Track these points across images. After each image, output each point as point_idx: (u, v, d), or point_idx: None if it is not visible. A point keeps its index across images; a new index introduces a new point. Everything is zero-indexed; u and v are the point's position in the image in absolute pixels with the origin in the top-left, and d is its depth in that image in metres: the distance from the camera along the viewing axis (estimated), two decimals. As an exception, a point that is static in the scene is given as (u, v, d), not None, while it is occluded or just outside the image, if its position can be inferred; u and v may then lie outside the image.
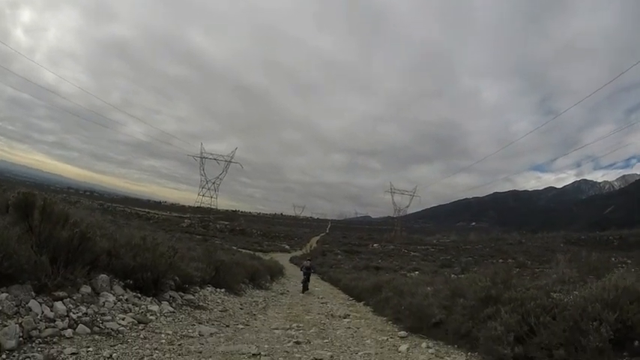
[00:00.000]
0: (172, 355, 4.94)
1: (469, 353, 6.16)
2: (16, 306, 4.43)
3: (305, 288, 18.20)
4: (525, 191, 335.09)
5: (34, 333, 4.24)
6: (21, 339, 4.03)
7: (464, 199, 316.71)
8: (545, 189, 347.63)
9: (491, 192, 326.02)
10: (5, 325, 4.02)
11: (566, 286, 6.43)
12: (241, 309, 9.90)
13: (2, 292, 4.46)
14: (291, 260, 52.53)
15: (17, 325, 4.07)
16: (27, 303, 4.56)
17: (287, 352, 6.00)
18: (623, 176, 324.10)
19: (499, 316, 5.65)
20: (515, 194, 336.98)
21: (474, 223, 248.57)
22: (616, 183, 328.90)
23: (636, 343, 4.53)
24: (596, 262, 10.14)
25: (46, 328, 4.42)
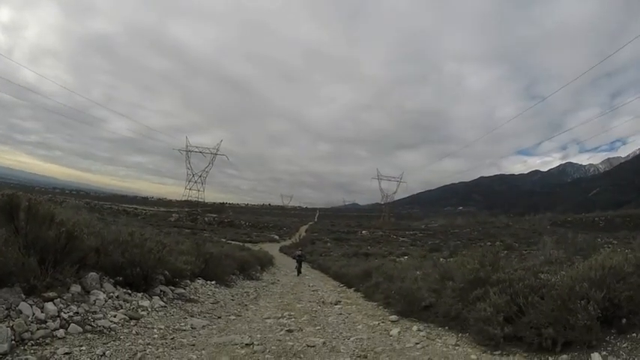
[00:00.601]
0: (165, 349, 4.94)
1: (460, 334, 6.26)
2: (7, 309, 4.39)
3: (298, 272, 22.24)
4: (511, 175, 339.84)
5: (26, 335, 4.21)
6: (13, 342, 4.00)
7: (450, 184, 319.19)
8: (530, 172, 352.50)
9: (477, 176, 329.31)
10: (-4, 329, 3.98)
11: (554, 267, 6.55)
12: (232, 300, 9.92)
13: (-9, 296, 4.41)
14: (281, 250, 52.71)
15: (9, 329, 4.03)
16: (17, 305, 4.52)
17: (279, 340, 6.03)
18: (608, 159, 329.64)
19: (488, 298, 5.74)
20: (501, 178, 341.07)
21: (460, 208, 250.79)
22: (601, 166, 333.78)
23: (624, 320, 4.64)
24: (582, 243, 10.33)
25: (38, 329, 4.39)
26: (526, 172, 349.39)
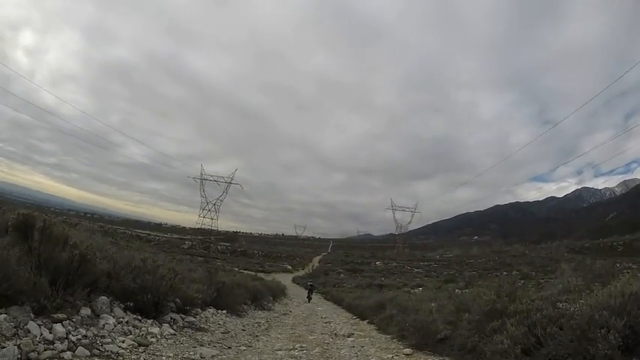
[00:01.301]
0: (174, 377, 4.87)
1: (476, 368, 6.08)
2: (15, 327, 4.38)
3: (309, 300, 25.74)
4: (526, 202, 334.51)
5: (33, 355, 4.17)
6: (19, 361, 3.97)
7: (465, 213, 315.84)
8: (546, 199, 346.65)
9: (493, 205, 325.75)
10: (3, 347, 3.97)
11: (572, 295, 6.36)
12: (243, 330, 9.80)
13: (1, 314, 4.41)
14: (294, 280, 52.33)
15: (15, 347, 4.02)
16: (26, 324, 4.51)
17: (290, 372, 5.91)
18: (624, 181, 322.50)
19: (505, 329, 5.59)
20: (516, 206, 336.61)
21: (476, 237, 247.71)
22: (617, 189, 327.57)
23: (645, 348, 4.46)
24: (600, 269, 10.08)
25: (45, 350, 4.35)
26: (541, 199, 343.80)
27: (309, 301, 24.88)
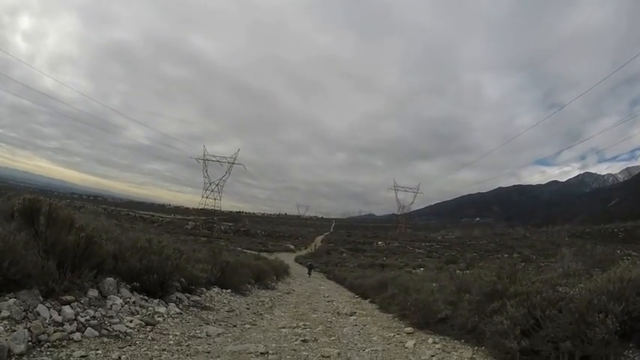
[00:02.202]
0: (181, 355, 4.97)
1: (476, 348, 6.17)
2: (24, 311, 4.45)
3: (309, 274, 32.30)
4: (529, 185, 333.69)
5: (43, 337, 4.27)
6: (30, 343, 4.05)
7: (467, 195, 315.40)
8: (548, 183, 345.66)
9: (495, 187, 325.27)
10: (14, 330, 4.04)
11: (572, 279, 6.42)
12: (248, 309, 9.93)
13: (10, 298, 4.48)
14: (297, 260, 52.66)
15: (26, 330, 4.10)
16: (35, 308, 4.59)
17: (294, 350, 6.02)
18: (627, 168, 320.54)
19: (505, 310, 5.66)
20: (519, 189, 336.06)
21: (478, 219, 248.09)
22: (620, 175, 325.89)
23: (643, 334, 4.53)
24: (601, 255, 10.16)
25: (55, 332, 4.44)
26: (544, 183, 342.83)
27: (309, 276, 30.91)
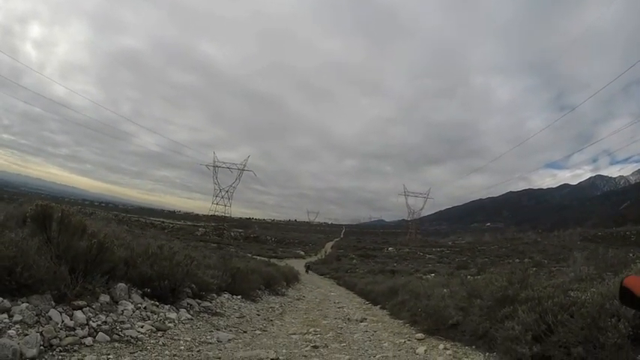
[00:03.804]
0: (191, 361, 5.00)
1: (487, 354, 6.12)
2: (37, 315, 4.50)
3: (307, 272, 39.57)
4: (540, 189, 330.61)
5: (55, 341, 4.31)
6: (42, 347, 4.09)
7: (478, 200, 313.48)
8: (559, 186, 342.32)
9: (506, 191, 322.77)
10: (26, 334, 4.08)
11: (584, 284, 6.36)
12: (258, 315, 9.93)
13: (23, 302, 4.53)
14: (306, 266, 52.65)
15: (38, 334, 4.14)
16: (47, 312, 4.63)
17: (305, 356, 6.02)
18: (639, 170, 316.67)
19: (516, 316, 5.61)
20: (529, 193, 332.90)
21: (488, 224, 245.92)
22: (631, 177, 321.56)
23: (656, 338, 4.47)
24: (613, 259, 10.04)
25: (67, 336, 4.48)
26: (555, 186, 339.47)
27: (307, 274, 38.81)
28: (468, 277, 12.08)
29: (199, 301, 8.70)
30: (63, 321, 4.68)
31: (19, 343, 3.88)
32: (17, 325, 4.21)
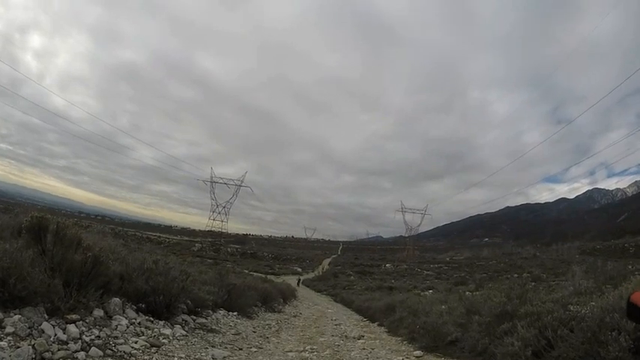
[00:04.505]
0: (185, 377, 4.92)
1: (486, 370, 6.07)
2: (29, 328, 4.44)
3: (298, 285, 41.30)
4: (537, 203, 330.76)
5: (47, 355, 4.23)
6: (34, 361, 4.03)
7: (476, 215, 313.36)
8: (557, 200, 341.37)
9: (503, 206, 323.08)
10: (18, 347, 4.02)
11: (583, 298, 6.33)
12: (254, 332, 9.83)
13: (15, 314, 4.48)
14: (303, 283, 52.45)
15: (30, 347, 4.07)
16: (40, 325, 4.57)
17: (301, 373, 5.94)
18: (636, 182, 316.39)
19: (516, 332, 5.59)
20: (527, 207, 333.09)
21: (486, 239, 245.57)
22: (628, 190, 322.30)
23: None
24: (612, 271, 10.02)
25: (59, 350, 4.41)
26: (552, 200, 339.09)
27: (298, 286, 40.15)
28: (467, 293, 12.04)
29: (194, 317, 8.61)
30: (56, 334, 4.62)
31: (10, 356, 3.82)
32: (9, 337, 4.15)
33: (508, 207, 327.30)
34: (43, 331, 4.53)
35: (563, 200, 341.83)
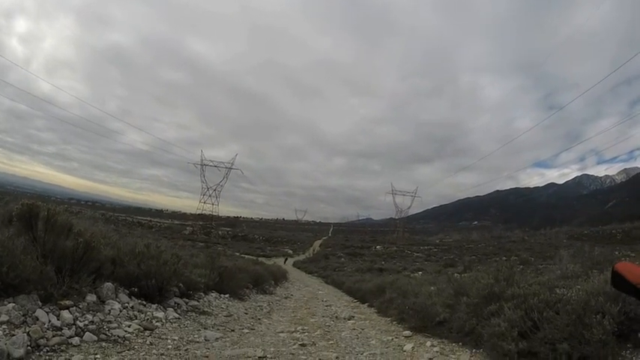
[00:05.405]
0: (179, 360, 4.98)
1: (474, 350, 6.19)
2: (23, 315, 4.46)
3: (284, 262, 47.17)
4: (527, 188, 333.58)
5: (42, 341, 4.27)
6: (29, 347, 4.05)
7: (465, 199, 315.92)
8: (546, 185, 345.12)
9: (493, 190, 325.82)
10: (13, 334, 4.05)
11: (570, 281, 6.45)
12: (246, 314, 9.92)
13: (9, 302, 4.49)
14: (295, 264, 52.69)
15: (25, 334, 4.10)
16: (34, 312, 4.59)
17: (292, 354, 6.02)
18: (625, 169, 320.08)
19: (502, 313, 5.67)
20: (516, 191, 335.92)
21: (476, 222, 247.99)
22: (617, 177, 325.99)
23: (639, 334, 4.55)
24: (599, 257, 10.17)
25: (54, 336, 4.45)
26: (542, 185, 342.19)
27: (284, 264, 44.19)
28: (455, 274, 12.18)
29: (187, 300, 8.66)
30: (50, 321, 4.64)
31: (5, 344, 3.85)
32: (4, 326, 4.18)
33: (498, 191, 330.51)
34: (38, 318, 4.55)
35: (552, 185, 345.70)
